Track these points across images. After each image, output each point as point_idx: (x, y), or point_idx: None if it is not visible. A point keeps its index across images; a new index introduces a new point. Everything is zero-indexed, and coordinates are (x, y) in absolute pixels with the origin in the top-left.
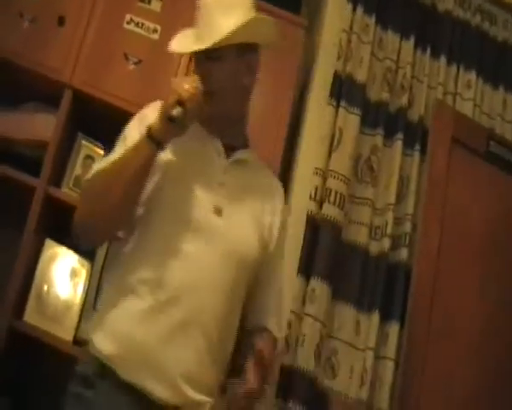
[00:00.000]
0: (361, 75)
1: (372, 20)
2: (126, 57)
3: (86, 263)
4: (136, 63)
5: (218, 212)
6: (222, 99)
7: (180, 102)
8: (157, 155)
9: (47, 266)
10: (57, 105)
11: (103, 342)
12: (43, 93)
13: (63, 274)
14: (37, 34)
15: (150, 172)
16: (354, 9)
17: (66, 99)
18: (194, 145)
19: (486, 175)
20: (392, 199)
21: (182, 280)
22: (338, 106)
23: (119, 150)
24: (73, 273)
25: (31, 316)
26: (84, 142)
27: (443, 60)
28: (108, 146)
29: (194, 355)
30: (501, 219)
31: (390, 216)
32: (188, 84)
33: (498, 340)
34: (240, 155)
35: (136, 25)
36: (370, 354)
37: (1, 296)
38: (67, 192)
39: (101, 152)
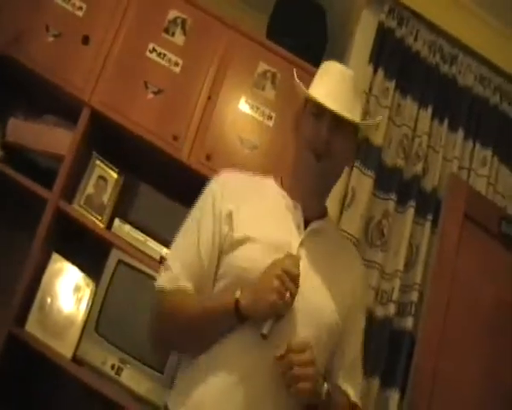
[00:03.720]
0: (378, 138)
1: (392, 85)
2: (146, 85)
3: (91, 282)
4: (155, 93)
5: None
6: (331, 168)
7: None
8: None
9: (52, 280)
10: (76, 121)
11: None
12: (63, 108)
13: (67, 290)
14: (61, 50)
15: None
16: (375, 72)
17: (84, 117)
18: (276, 213)
19: (497, 254)
20: (401, 266)
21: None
22: (352, 166)
23: (192, 248)
24: (77, 290)
25: (32, 326)
26: (98, 162)
27: (460, 134)
28: (122, 169)
29: None
30: (509, 297)
31: (397, 283)
32: (290, 287)
33: None
34: (316, 225)
35: (159, 55)
36: None
37: (5, 302)
38: (78, 209)
39: (115, 175)
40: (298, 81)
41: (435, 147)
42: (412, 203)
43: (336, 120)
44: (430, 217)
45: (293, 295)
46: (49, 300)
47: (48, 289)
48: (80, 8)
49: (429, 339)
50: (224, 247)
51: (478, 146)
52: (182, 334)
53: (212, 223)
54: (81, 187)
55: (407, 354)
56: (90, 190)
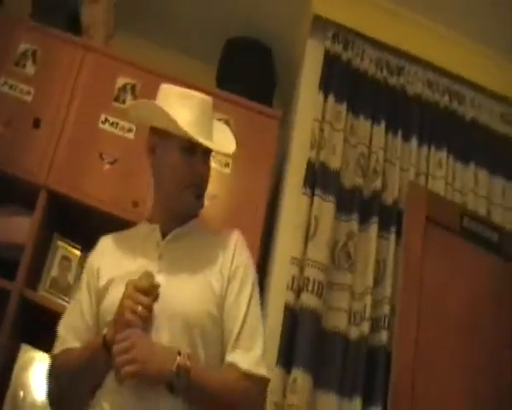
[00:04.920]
0: (334, 162)
1: (343, 108)
2: (101, 157)
3: None
4: (111, 163)
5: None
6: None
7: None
8: None
9: (22, 372)
10: (33, 207)
11: None
12: (19, 195)
13: (39, 380)
14: (12, 137)
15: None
16: (326, 98)
17: (42, 200)
18: (134, 246)
19: (462, 251)
20: (370, 282)
21: None
22: (313, 194)
23: (74, 317)
24: None
25: None
26: (60, 242)
27: (414, 142)
28: (85, 245)
29: None
30: (479, 294)
31: (369, 300)
32: (140, 301)
33: None
34: (174, 233)
35: (111, 124)
36: None
37: None
38: (44, 295)
39: (78, 253)
40: (160, 109)
41: (392, 159)
42: (375, 219)
43: (207, 153)
44: (394, 229)
45: (147, 307)
46: (21, 393)
47: (19, 382)
48: (28, 92)
49: (404, 349)
50: (98, 299)
51: (433, 150)
52: (68, 388)
53: (86, 283)
54: (45, 271)
55: (385, 369)
56: (54, 272)
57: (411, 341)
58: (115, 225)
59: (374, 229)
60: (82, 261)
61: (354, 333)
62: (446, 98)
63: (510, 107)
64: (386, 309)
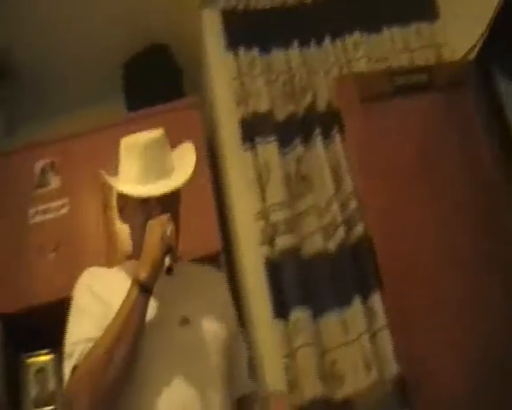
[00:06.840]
0: (264, 105)
1: (256, 52)
2: (42, 250)
3: None
4: (54, 250)
5: (185, 321)
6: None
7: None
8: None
9: None
10: None
11: None
12: None
13: None
14: None
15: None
16: (236, 53)
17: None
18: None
19: (402, 109)
20: (331, 190)
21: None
22: (254, 146)
23: (87, 323)
24: None
25: None
26: (28, 360)
27: (327, 41)
28: (56, 345)
29: None
30: (427, 135)
31: (335, 206)
32: (168, 228)
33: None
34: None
35: (44, 212)
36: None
37: None
38: None
39: (50, 357)
40: (110, 180)
41: (313, 69)
42: (317, 132)
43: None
44: (336, 130)
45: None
46: None
47: None
48: None
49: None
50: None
51: (347, 37)
52: (110, 369)
53: (89, 294)
54: (25, 396)
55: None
56: (33, 392)
57: (382, 211)
58: None
59: (318, 141)
60: (57, 362)
61: (333, 244)
62: None
63: None
64: (353, 204)
